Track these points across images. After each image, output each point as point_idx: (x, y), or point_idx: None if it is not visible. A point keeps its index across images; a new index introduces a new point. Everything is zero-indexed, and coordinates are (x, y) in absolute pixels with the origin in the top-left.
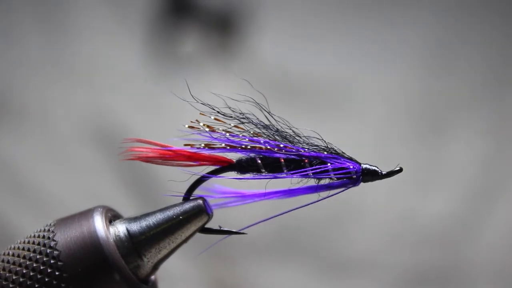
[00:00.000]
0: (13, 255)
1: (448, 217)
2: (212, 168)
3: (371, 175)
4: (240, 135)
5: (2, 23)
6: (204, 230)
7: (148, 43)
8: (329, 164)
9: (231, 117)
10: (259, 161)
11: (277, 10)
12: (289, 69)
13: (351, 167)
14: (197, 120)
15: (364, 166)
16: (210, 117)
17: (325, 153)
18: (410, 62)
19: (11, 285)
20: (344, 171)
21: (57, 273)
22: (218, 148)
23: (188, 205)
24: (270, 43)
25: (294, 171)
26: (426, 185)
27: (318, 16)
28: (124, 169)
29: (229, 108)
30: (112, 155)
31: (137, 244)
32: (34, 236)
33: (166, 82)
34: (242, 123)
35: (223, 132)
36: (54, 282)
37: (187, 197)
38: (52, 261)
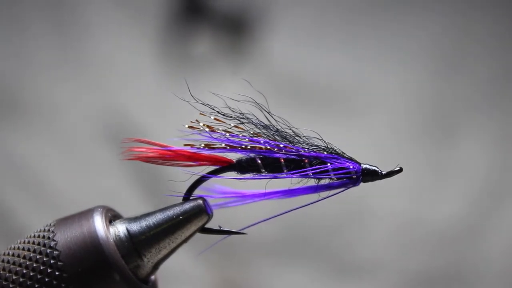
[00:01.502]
0: (13, 255)
1: (457, 220)
2: (212, 168)
3: (371, 175)
4: (240, 135)
5: (15, 23)
6: (204, 230)
7: (160, 44)
8: (329, 164)
9: (231, 117)
10: (259, 161)
11: (289, 13)
12: (300, 71)
13: (351, 167)
14: (197, 120)
15: (364, 166)
16: (211, 117)
17: (325, 153)
18: (420, 65)
19: (11, 285)
20: (344, 171)
21: (57, 273)
22: (218, 148)
23: (188, 205)
24: (281, 46)
25: (294, 171)
26: (435, 188)
27: (330, 19)
28: (135, 167)
29: (230, 108)
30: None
31: (137, 244)
32: (34, 236)
33: (177, 82)
34: (242, 123)
35: (223, 132)
36: (54, 282)
37: (187, 197)
38: (52, 261)
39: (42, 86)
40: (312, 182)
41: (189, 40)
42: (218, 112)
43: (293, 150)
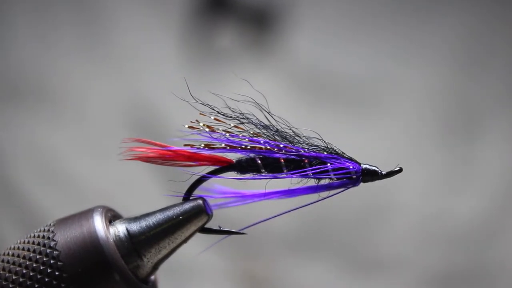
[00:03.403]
0: (13, 255)
1: (478, 217)
2: (212, 168)
3: (371, 175)
4: (240, 135)
5: (41, 12)
6: (204, 230)
7: (185, 35)
8: (329, 164)
9: (231, 117)
10: (259, 161)
11: (314, 9)
12: (322, 67)
13: (351, 167)
14: (197, 120)
15: (363, 166)
16: (211, 117)
17: (325, 153)
18: (441, 64)
19: (11, 285)
20: (343, 171)
21: (57, 273)
22: (218, 148)
23: (188, 205)
24: (305, 41)
25: (294, 171)
26: (456, 186)
27: (354, 17)
28: None
29: (230, 108)
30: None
31: (137, 244)
32: (34, 236)
33: (201, 75)
34: (242, 123)
35: (223, 132)
36: (54, 282)
37: (187, 197)
38: (52, 261)
39: (69, 77)
40: (312, 182)
41: (213, 33)
42: (218, 112)
43: (293, 150)
